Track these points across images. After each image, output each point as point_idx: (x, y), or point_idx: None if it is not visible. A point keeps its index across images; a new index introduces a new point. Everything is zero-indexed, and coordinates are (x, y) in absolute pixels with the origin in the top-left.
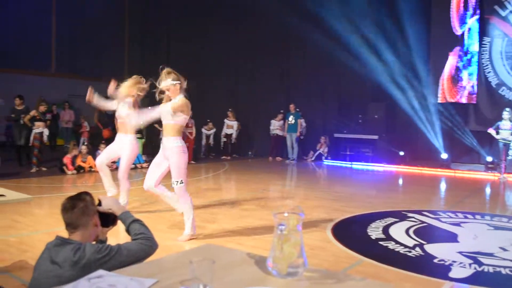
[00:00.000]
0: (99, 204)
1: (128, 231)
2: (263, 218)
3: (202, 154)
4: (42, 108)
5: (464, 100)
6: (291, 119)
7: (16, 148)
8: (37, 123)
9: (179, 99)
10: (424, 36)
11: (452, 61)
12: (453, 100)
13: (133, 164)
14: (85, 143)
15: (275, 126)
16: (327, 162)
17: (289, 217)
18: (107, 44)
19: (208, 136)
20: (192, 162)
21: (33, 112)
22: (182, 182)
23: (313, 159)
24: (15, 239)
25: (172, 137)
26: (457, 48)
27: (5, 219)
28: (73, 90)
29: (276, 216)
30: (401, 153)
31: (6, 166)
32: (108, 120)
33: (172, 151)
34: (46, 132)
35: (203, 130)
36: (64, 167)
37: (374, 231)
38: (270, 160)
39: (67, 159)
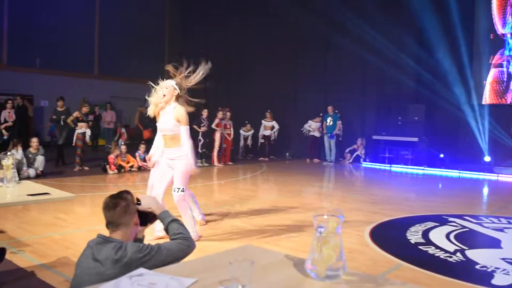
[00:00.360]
0: (138, 202)
1: (166, 230)
2: (301, 220)
3: (240, 155)
4: (85, 109)
5: (509, 101)
6: (329, 121)
7: (57, 148)
8: (79, 124)
9: (180, 108)
10: (466, 36)
11: (496, 61)
12: (497, 102)
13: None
14: (123, 143)
15: (312, 127)
16: (365, 165)
17: (328, 219)
18: (147, 45)
19: (246, 137)
20: (230, 163)
21: (76, 114)
22: (183, 191)
23: (350, 161)
24: (59, 236)
25: (175, 147)
26: (502, 49)
27: (49, 216)
28: (115, 91)
29: (316, 218)
30: (442, 156)
31: (50, 166)
32: (149, 121)
33: (180, 159)
34: (88, 132)
35: (241, 131)
36: (108, 166)
37: (414, 235)
38: (308, 162)
39: (111, 159)
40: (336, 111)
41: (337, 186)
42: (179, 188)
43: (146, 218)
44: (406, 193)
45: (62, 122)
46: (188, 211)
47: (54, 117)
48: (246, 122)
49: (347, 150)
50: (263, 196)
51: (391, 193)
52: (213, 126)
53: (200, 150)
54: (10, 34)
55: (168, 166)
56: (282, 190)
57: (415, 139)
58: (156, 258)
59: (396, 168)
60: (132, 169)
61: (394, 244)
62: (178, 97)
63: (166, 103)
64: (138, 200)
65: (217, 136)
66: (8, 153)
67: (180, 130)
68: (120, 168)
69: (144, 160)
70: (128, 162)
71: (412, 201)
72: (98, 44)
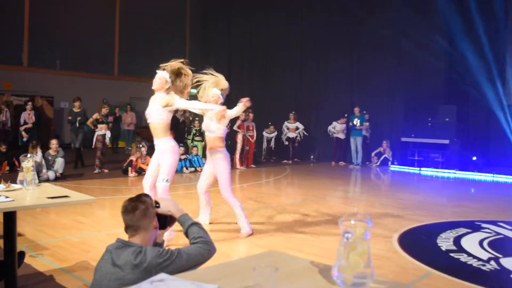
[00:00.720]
0: (157, 205)
1: (186, 233)
2: (326, 225)
3: (263, 158)
4: (104, 110)
5: None
6: (355, 122)
7: (75, 151)
8: (99, 126)
9: (166, 95)
10: (499, 36)
11: None
12: None
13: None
14: (143, 145)
15: (336, 128)
16: (393, 168)
17: (356, 224)
18: (168, 45)
19: (269, 140)
20: (252, 166)
21: (95, 115)
22: (168, 181)
23: (377, 164)
24: (78, 240)
25: (161, 138)
26: None
27: (68, 219)
28: (135, 92)
29: (342, 223)
30: (474, 158)
31: (70, 168)
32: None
33: (167, 152)
34: (108, 134)
35: (264, 133)
36: (130, 168)
37: (444, 242)
38: (333, 165)
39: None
40: (364, 112)
41: (364, 190)
42: (164, 179)
43: (165, 221)
44: (436, 197)
45: (77, 124)
46: (237, 203)
47: (69, 118)
48: (270, 123)
49: (373, 153)
50: (286, 200)
51: (420, 197)
52: (235, 127)
53: None
54: (30, 35)
55: (158, 158)
56: (307, 194)
57: (446, 141)
58: (176, 263)
59: (426, 171)
60: None
61: (424, 251)
62: (168, 90)
63: (156, 91)
64: (157, 203)
65: (240, 138)
66: (28, 155)
67: (165, 119)
68: (140, 170)
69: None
70: (148, 165)
71: (442, 206)
72: (118, 45)
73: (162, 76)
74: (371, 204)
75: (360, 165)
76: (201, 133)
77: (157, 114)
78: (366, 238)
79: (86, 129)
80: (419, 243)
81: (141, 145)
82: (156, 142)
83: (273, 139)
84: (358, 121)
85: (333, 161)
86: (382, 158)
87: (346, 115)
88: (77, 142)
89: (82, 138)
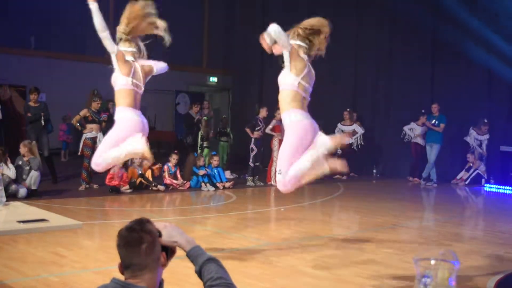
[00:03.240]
0: (158, 234)
1: (199, 273)
2: (394, 265)
3: None
4: (96, 105)
5: None
6: (433, 123)
7: (46, 161)
8: (88, 126)
9: None
10: None
11: None
12: None
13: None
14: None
15: (416, 132)
16: (488, 188)
17: (437, 265)
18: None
19: None
20: None
21: (83, 112)
22: None
23: (467, 182)
24: (57, 279)
25: None
26: None
27: (46, 251)
28: None
29: (419, 263)
30: None
31: (47, 183)
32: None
33: None
34: (100, 137)
35: None
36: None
37: None
38: (414, 182)
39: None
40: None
41: (447, 218)
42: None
43: (166, 254)
44: None
45: (43, 122)
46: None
47: (29, 115)
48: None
49: (467, 167)
50: (338, 230)
51: None
52: (268, 130)
53: (252, 164)
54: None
55: None
56: (366, 222)
57: None
58: None
59: None
60: (154, 186)
61: None
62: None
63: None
64: (157, 230)
65: (275, 143)
66: None
67: None
68: (140, 185)
69: (174, 175)
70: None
71: None
72: (113, 17)
73: None
74: (457, 238)
75: (436, 181)
76: (225, 133)
77: None
78: (451, 284)
79: (50, 129)
80: None
81: None
82: None
83: None
84: (437, 122)
85: (410, 176)
86: (473, 173)
87: (423, 111)
88: (45, 149)
89: (48, 142)
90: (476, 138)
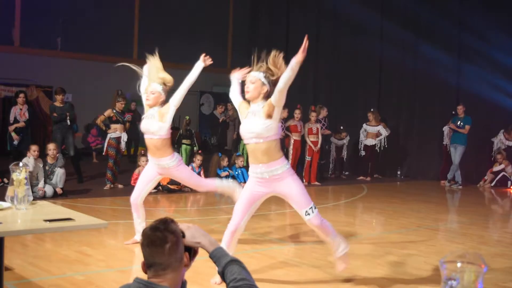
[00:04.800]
0: (182, 235)
1: (222, 274)
2: (418, 267)
3: (331, 173)
4: (120, 105)
5: None
6: (459, 124)
7: (72, 161)
8: (113, 126)
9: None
10: None
11: None
12: None
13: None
14: None
15: (447, 132)
16: None
17: (464, 268)
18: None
19: (339, 148)
20: (317, 183)
21: (108, 112)
22: None
23: (492, 184)
24: (82, 278)
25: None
26: None
27: (71, 250)
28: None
29: (445, 266)
30: None
31: (70, 182)
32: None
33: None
34: (124, 137)
35: (332, 139)
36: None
37: None
38: (444, 186)
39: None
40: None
41: (474, 220)
42: None
43: (189, 254)
44: None
45: (69, 122)
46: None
47: (55, 115)
48: (341, 127)
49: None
50: (362, 231)
51: None
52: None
53: None
54: (23, 5)
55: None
56: (390, 223)
57: None
58: None
59: None
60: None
61: None
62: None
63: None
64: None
65: (290, 143)
66: (21, 164)
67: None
68: (165, 188)
69: (199, 175)
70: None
71: None
72: (138, 19)
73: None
74: (483, 241)
75: (461, 183)
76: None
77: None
78: None
79: (76, 129)
80: None
81: None
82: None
83: (344, 147)
84: (462, 124)
85: (442, 179)
86: (499, 175)
87: (453, 112)
88: (71, 149)
89: (74, 141)
90: (503, 141)
